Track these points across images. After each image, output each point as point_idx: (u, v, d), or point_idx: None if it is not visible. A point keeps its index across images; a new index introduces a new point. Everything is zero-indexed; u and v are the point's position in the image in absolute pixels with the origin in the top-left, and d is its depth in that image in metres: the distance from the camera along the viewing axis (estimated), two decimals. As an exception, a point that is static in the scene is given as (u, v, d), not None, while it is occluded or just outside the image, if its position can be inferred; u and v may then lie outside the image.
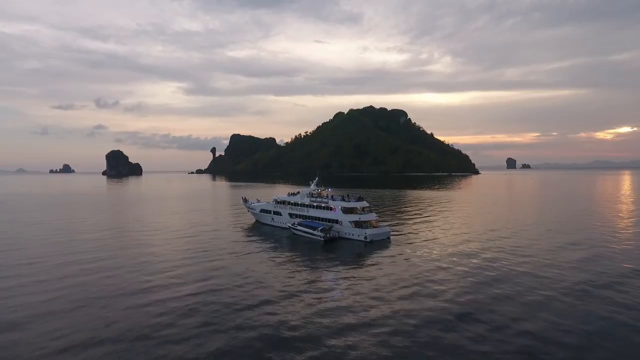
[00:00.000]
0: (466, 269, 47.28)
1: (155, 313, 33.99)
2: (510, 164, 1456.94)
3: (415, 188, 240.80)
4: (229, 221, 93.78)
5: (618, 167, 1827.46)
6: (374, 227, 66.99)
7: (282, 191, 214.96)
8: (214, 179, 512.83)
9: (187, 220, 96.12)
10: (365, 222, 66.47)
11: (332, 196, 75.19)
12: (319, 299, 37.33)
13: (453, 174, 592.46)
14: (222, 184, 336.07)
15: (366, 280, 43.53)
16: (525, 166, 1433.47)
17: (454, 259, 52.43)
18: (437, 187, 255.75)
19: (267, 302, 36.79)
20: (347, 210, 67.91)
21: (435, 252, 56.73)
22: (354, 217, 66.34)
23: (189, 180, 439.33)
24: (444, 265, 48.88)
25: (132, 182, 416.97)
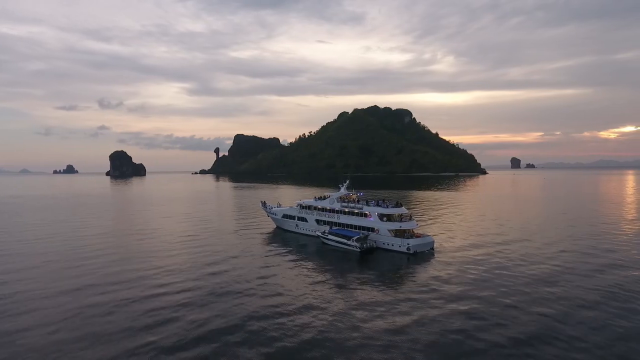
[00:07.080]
0: (531, 284, 40.53)
1: (163, 334, 27.61)
2: (515, 163, 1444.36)
3: (427, 189, 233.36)
4: (246, 227, 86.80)
5: (622, 166, 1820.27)
6: (416, 236, 60.08)
7: (287, 192, 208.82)
8: (217, 179, 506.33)
9: (199, 225, 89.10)
10: (406, 230, 59.56)
11: (366, 201, 68.30)
12: (358, 323, 30.78)
13: (460, 174, 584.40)
14: (227, 185, 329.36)
15: (412, 300, 37.21)
16: (530, 166, 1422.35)
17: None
18: (448, 188, 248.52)
19: (298, 326, 31.62)
20: (384, 217, 61.01)
21: (489, 266, 49.70)
22: (394, 226, 59.23)
23: (193, 181, 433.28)
24: (505, 284, 41.98)
25: (136, 182, 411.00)
